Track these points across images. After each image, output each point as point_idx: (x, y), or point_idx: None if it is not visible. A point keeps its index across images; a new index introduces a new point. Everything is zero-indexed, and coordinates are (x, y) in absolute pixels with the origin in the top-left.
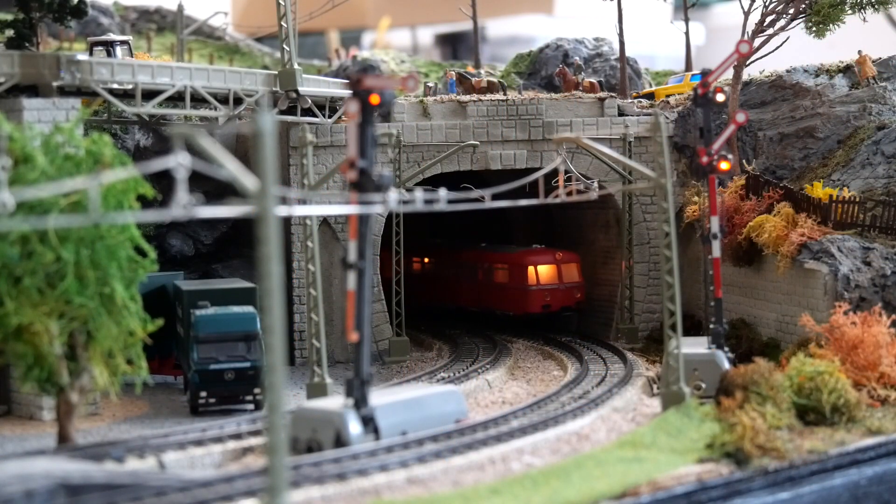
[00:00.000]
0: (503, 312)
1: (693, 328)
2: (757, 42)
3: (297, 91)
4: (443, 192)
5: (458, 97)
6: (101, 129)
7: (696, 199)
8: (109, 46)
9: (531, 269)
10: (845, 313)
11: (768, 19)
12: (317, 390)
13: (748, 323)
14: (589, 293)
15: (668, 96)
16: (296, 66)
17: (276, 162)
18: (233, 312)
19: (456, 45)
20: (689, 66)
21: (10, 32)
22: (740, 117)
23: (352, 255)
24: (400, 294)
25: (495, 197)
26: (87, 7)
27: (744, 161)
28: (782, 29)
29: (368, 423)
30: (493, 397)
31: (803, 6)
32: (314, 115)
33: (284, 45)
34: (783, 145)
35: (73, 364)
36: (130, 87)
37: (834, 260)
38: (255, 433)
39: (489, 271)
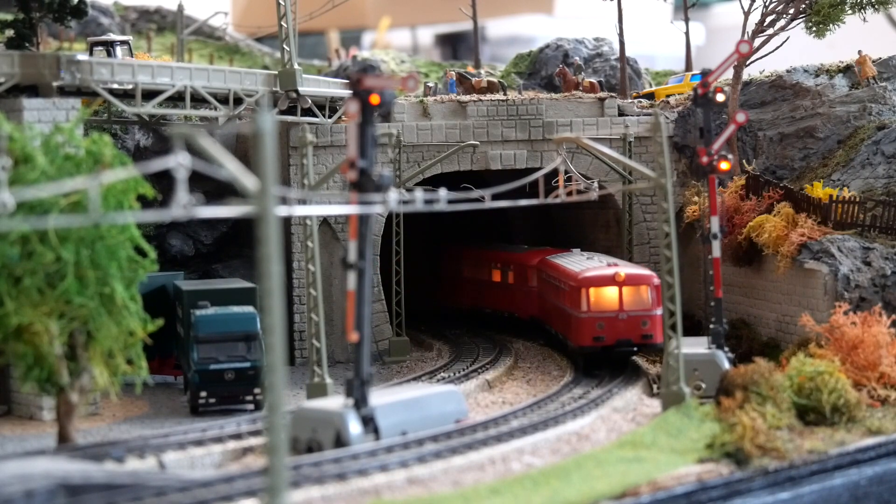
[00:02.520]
0: (567, 340)
1: (693, 328)
2: (757, 42)
3: (297, 91)
4: (443, 192)
5: (458, 97)
6: (101, 129)
7: (696, 199)
8: (109, 46)
9: (583, 291)
10: (845, 313)
11: (768, 19)
12: (317, 390)
13: (748, 323)
14: None
15: (668, 96)
16: (296, 66)
17: (276, 162)
18: (233, 312)
19: (456, 45)
20: (689, 66)
21: (10, 32)
22: (740, 117)
23: (352, 256)
24: (400, 294)
25: (495, 197)
26: (87, 7)
27: (744, 161)
28: (782, 29)
29: (368, 423)
30: (493, 397)
31: (803, 6)
32: (314, 115)
33: (284, 45)
34: (783, 145)
35: (73, 364)
36: (130, 87)
37: (834, 260)
38: (255, 433)
39: (551, 289)
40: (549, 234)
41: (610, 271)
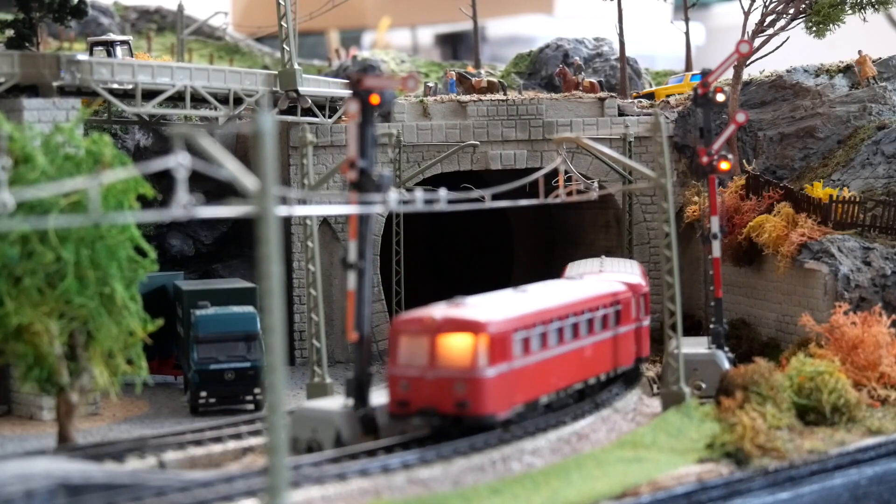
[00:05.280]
0: None
1: (693, 328)
2: (757, 42)
3: (297, 91)
4: (443, 192)
5: (458, 97)
6: (101, 129)
7: (696, 199)
8: (109, 46)
9: (393, 339)
10: (845, 313)
11: (768, 19)
12: (317, 390)
13: (748, 323)
14: None
15: (668, 96)
16: (296, 66)
17: (276, 162)
18: (233, 312)
19: (456, 45)
20: (689, 66)
21: (10, 32)
22: (740, 117)
23: (352, 256)
24: (400, 294)
25: (495, 197)
26: (87, 7)
27: (744, 161)
28: (782, 29)
29: (368, 423)
30: None
31: (803, 6)
32: (314, 115)
33: (284, 45)
34: (783, 145)
35: (73, 364)
36: (130, 87)
37: (834, 260)
38: (255, 433)
39: None
40: (549, 235)
41: (427, 313)
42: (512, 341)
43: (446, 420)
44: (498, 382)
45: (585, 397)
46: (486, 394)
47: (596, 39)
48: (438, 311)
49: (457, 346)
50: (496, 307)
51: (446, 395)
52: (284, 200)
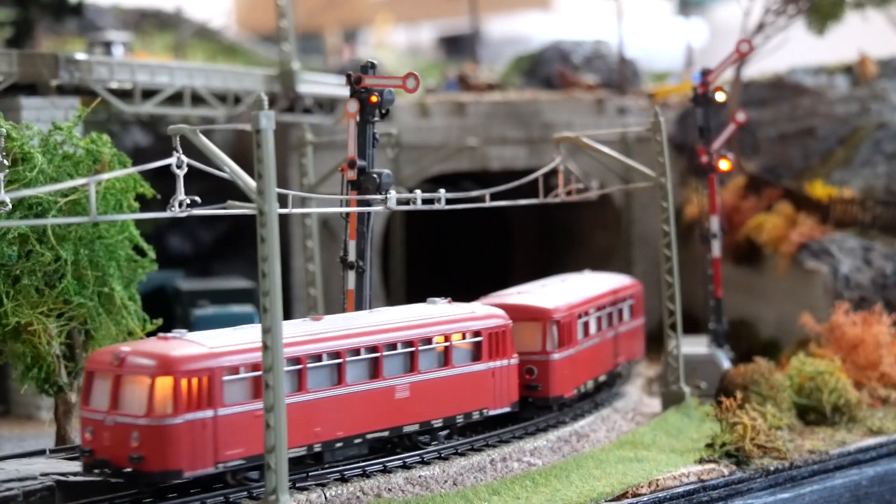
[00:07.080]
0: None
1: (693, 328)
2: (758, 41)
3: (296, 91)
4: (442, 192)
5: (458, 97)
6: (100, 128)
7: (695, 198)
8: (108, 46)
9: (88, 374)
10: (845, 313)
11: (769, 19)
12: None
13: (748, 323)
14: None
15: (667, 96)
16: (296, 66)
17: (275, 162)
18: (232, 312)
19: (456, 45)
20: (689, 66)
21: (8, 31)
22: (740, 117)
23: (351, 255)
24: (400, 294)
25: (495, 197)
26: (86, 6)
27: (743, 161)
28: (783, 28)
29: None
30: None
31: (802, 4)
32: (314, 115)
33: (284, 45)
34: (783, 145)
35: (71, 364)
36: (129, 86)
37: (834, 259)
38: None
39: None
40: (549, 234)
41: (118, 347)
42: (220, 384)
43: (123, 475)
44: (189, 433)
45: (420, 445)
46: (168, 446)
47: (595, 39)
48: (128, 346)
49: (136, 389)
50: (215, 342)
51: (123, 446)
52: (284, 200)
